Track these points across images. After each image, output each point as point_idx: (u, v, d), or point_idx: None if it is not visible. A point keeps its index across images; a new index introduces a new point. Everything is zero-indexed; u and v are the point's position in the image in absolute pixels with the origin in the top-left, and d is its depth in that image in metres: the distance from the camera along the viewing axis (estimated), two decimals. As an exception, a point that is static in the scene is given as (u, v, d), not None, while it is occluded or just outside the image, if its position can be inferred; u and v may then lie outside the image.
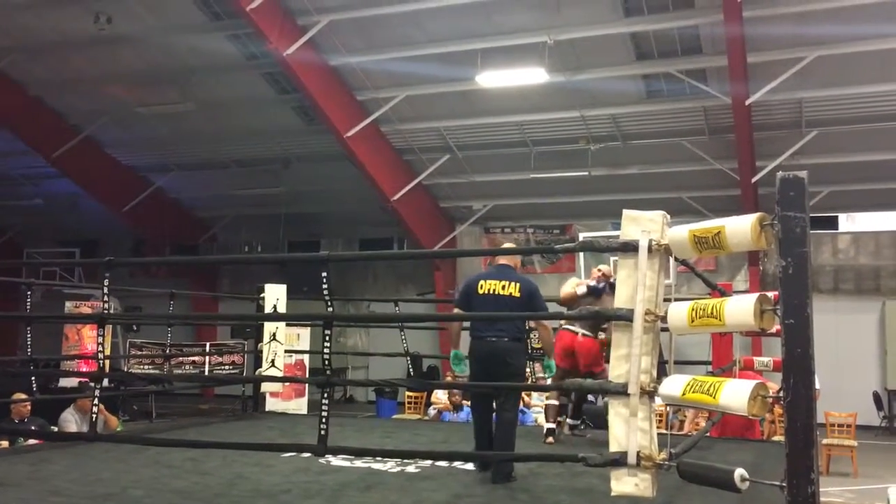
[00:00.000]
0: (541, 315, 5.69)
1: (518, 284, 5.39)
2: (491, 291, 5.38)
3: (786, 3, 12.37)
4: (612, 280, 6.61)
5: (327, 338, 4.65)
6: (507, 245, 5.93)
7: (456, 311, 5.70)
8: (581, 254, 14.50)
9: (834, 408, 11.79)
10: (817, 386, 3.31)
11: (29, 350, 7.41)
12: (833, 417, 11.71)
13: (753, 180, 14.96)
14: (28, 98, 17.49)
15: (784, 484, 3.17)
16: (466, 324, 5.79)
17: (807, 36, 12.81)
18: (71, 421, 8.16)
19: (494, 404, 5.48)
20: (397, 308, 9.89)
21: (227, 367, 12.90)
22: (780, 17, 12.57)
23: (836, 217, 17.60)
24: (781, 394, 3.26)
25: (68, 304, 15.98)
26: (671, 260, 3.89)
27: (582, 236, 16.91)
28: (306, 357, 11.47)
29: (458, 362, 5.68)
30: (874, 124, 14.63)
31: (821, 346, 3.20)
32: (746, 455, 5.97)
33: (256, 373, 9.20)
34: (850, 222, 17.76)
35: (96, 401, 5.46)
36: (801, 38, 12.88)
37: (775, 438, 8.51)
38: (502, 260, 5.65)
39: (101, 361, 5.81)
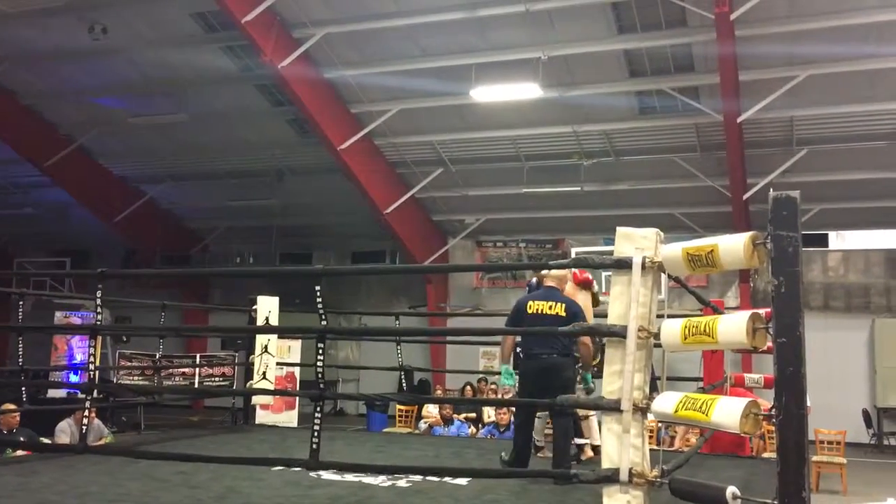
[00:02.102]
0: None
1: (563, 305, 5.79)
2: (539, 311, 5.77)
3: (778, 23, 12.47)
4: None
5: (320, 351, 4.65)
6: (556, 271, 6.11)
7: (506, 331, 6.15)
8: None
9: (823, 425, 11.80)
10: (808, 403, 3.33)
11: (20, 360, 7.37)
12: (823, 435, 11.72)
13: (745, 197, 15.04)
14: (21, 107, 17.47)
15: (775, 502, 3.18)
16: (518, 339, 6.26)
17: (798, 55, 12.92)
18: (66, 432, 8.11)
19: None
20: (397, 322, 9.88)
21: (217, 378, 12.84)
22: (772, 37, 12.68)
23: (826, 235, 17.70)
24: (773, 411, 3.27)
25: (58, 314, 15.90)
26: (663, 276, 3.91)
27: (574, 251, 16.94)
28: (297, 369, 11.45)
29: (508, 376, 6.07)
30: (865, 143, 14.75)
31: (810, 364, 3.22)
32: (737, 472, 5.99)
33: (248, 385, 9.17)
34: (840, 240, 17.86)
35: (87, 412, 5.43)
36: (792, 56, 12.99)
37: (765, 455, 8.53)
38: (549, 282, 6.05)
39: (92, 372, 5.79)
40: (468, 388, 13.74)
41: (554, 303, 5.81)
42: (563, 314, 5.73)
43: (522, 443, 5.95)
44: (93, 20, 14.24)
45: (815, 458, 11.10)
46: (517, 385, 6.11)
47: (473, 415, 11.84)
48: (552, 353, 5.76)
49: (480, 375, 14.66)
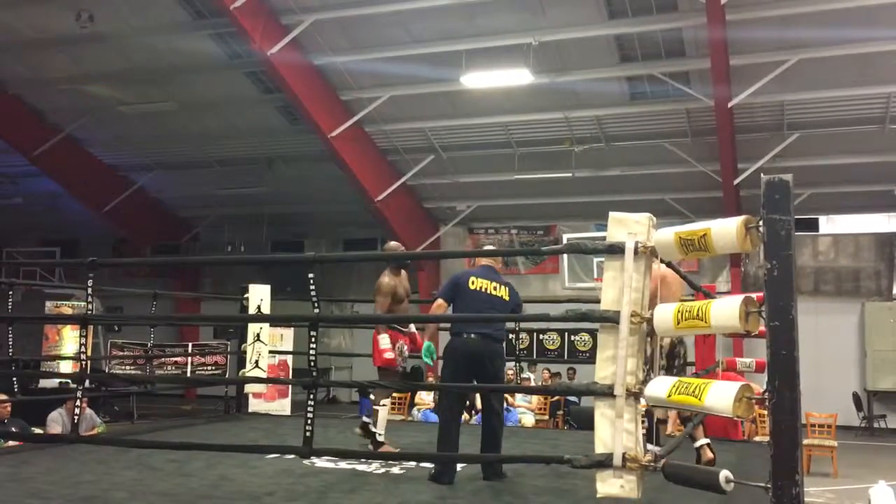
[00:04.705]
0: (523, 317, 5.61)
1: (507, 288, 5.45)
2: (483, 289, 5.34)
3: (768, 7, 12.46)
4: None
5: (313, 339, 4.64)
6: (488, 246, 5.86)
7: (438, 302, 5.54)
8: (565, 255, 14.53)
9: (814, 408, 11.87)
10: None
11: (10, 350, 7.34)
12: (813, 418, 11.80)
13: (735, 182, 15.06)
14: (7, 96, 17.33)
15: (769, 485, 3.19)
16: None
17: (789, 39, 12.92)
18: (58, 421, 8.08)
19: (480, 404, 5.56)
20: None
21: (209, 367, 12.83)
22: (762, 21, 12.66)
23: (817, 219, 17.75)
24: (766, 395, 3.28)
25: (48, 304, 15.84)
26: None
27: (565, 237, 17.00)
28: (289, 357, 11.43)
29: (429, 354, 5.67)
30: (855, 127, 14.78)
31: (801, 348, 3.22)
32: (729, 456, 6.02)
33: (240, 373, 9.16)
34: (831, 224, 17.92)
35: (79, 402, 5.41)
36: (783, 41, 12.98)
37: (757, 438, 8.58)
38: (484, 261, 5.61)
39: (83, 362, 5.77)
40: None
41: (498, 284, 5.41)
42: (507, 298, 5.38)
43: (445, 428, 5.34)
44: (79, 7, 14.10)
45: (806, 442, 11.17)
46: (443, 366, 5.56)
47: (466, 402, 11.84)
48: (491, 335, 5.32)
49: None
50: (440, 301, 5.50)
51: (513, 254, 19.83)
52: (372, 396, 6.47)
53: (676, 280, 5.75)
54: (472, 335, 5.29)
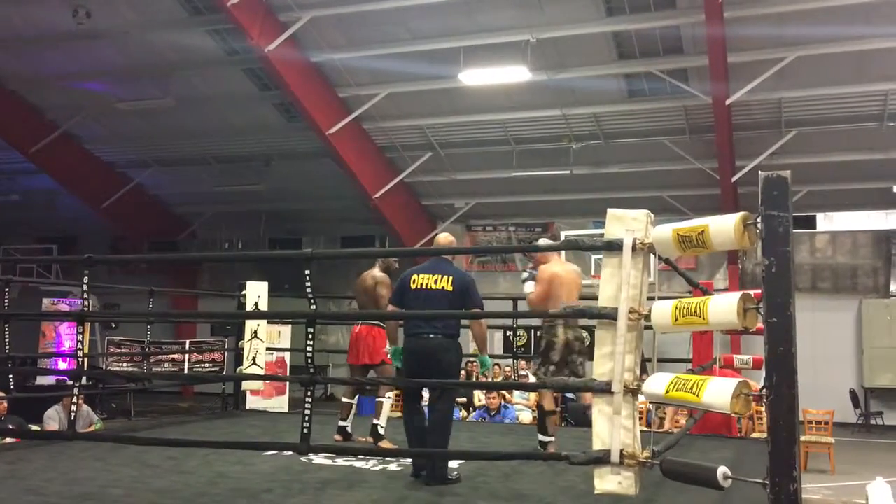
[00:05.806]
0: (480, 314, 5.53)
1: (450, 277, 5.23)
2: (423, 286, 5.22)
3: (766, 4, 12.45)
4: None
5: (310, 336, 4.64)
6: (442, 236, 5.82)
7: (391, 307, 5.60)
8: (562, 252, 14.50)
9: (811, 405, 11.88)
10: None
11: (7, 348, 7.32)
12: (811, 415, 11.82)
13: (733, 179, 15.06)
14: (4, 93, 17.27)
15: (766, 481, 3.19)
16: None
17: (786, 37, 12.92)
18: (55, 419, 8.08)
19: (428, 400, 5.53)
20: None
21: (206, 364, 12.85)
22: (760, 18, 12.66)
23: (814, 216, 17.75)
24: (763, 392, 3.28)
25: (45, 301, 15.81)
26: (653, 258, 3.91)
27: (563, 234, 16.98)
28: (287, 355, 11.43)
29: (397, 357, 5.68)
30: (852, 124, 14.78)
31: (798, 344, 3.23)
32: (726, 452, 6.03)
33: (238, 370, 9.16)
34: (828, 222, 17.92)
35: (76, 399, 5.40)
36: (780, 38, 12.98)
37: (754, 435, 8.59)
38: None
39: (80, 359, 5.76)
40: (461, 371, 13.69)
41: (440, 276, 5.20)
42: (450, 287, 5.15)
43: (408, 427, 5.36)
44: (76, 3, 14.06)
45: (803, 438, 11.17)
46: (402, 364, 5.54)
47: (464, 399, 11.85)
48: (434, 332, 5.17)
49: (471, 359, 14.64)
50: (391, 306, 5.55)
51: (509, 250, 19.86)
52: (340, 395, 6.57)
53: (572, 279, 5.92)
54: (417, 334, 5.25)
